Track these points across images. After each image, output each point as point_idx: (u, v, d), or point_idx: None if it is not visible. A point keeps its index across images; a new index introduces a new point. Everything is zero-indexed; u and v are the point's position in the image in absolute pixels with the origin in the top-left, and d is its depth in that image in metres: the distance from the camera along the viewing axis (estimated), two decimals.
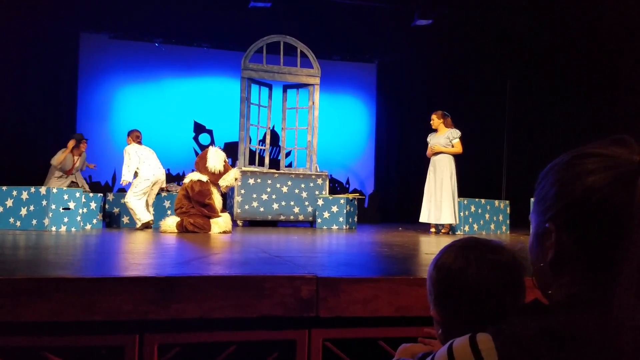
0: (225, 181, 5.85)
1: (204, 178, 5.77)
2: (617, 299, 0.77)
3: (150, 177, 6.61)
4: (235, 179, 6.01)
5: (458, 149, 6.78)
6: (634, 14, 7.70)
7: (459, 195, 6.89)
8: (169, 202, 7.05)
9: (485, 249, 1.09)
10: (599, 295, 0.81)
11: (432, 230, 6.88)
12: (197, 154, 10.63)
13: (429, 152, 6.87)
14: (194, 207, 5.72)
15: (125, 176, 6.61)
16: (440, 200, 6.65)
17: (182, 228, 5.64)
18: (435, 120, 6.91)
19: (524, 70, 10.53)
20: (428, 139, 6.94)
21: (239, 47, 9.74)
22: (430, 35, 10.16)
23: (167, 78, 10.61)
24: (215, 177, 5.81)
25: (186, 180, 5.95)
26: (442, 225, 6.84)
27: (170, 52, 10.59)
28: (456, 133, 6.82)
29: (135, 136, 7.20)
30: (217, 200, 5.85)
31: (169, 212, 6.97)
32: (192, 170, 6.28)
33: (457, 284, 1.06)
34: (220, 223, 5.68)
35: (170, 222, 5.73)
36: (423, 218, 6.79)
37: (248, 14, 9.58)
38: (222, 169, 5.83)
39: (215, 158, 5.82)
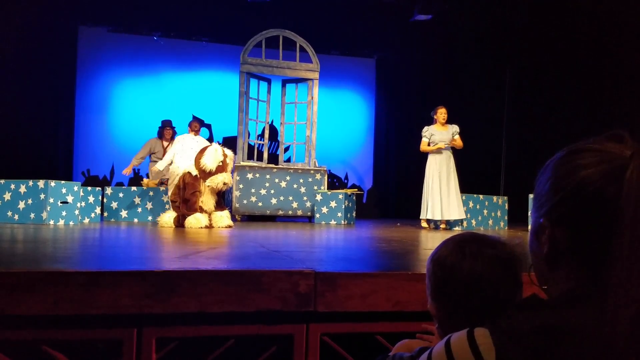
0: (211, 182, 5.60)
1: (194, 172, 5.68)
2: (610, 292, 0.77)
3: (176, 169, 6.55)
4: (224, 184, 5.66)
5: (461, 143, 6.76)
6: (635, 8, 7.69)
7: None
8: (167, 197, 7.05)
9: (482, 243, 1.09)
10: (595, 290, 0.82)
11: (426, 225, 6.85)
12: None
13: (433, 147, 6.70)
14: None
15: (158, 164, 6.75)
16: (453, 195, 6.62)
17: (178, 223, 5.62)
18: (446, 114, 6.84)
19: (523, 66, 10.51)
20: (427, 134, 6.79)
21: (237, 41, 9.71)
22: (430, 30, 10.14)
23: (166, 72, 10.59)
24: (204, 175, 5.62)
25: (180, 172, 5.90)
26: (440, 220, 6.83)
27: (169, 46, 10.56)
28: (457, 128, 6.80)
29: (193, 126, 7.45)
30: (208, 198, 5.70)
31: (167, 206, 6.97)
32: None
33: (453, 277, 1.06)
34: (200, 219, 5.51)
35: (167, 218, 5.71)
36: (434, 215, 6.66)
37: (247, 8, 9.56)
38: (213, 169, 5.60)
39: (211, 157, 5.61)
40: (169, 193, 5.97)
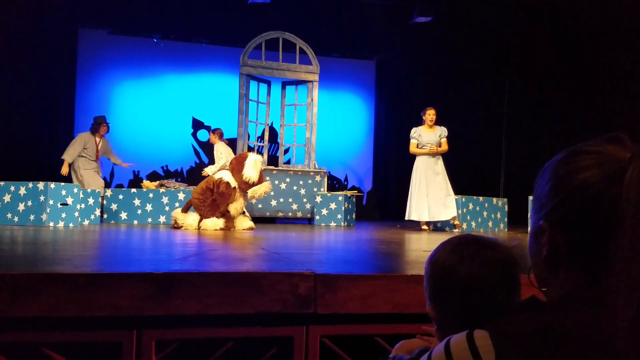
0: (255, 192, 5.59)
1: (233, 183, 5.62)
2: (609, 294, 0.77)
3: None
4: (265, 193, 5.71)
5: (446, 147, 6.77)
6: (633, 12, 7.70)
7: (457, 193, 6.89)
8: (167, 198, 7.05)
9: (480, 245, 1.09)
10: (594, 292, 0.82)
11: (426, 227, 6.83)
12: (195, 150, 10.64)
13: (424, 150, 6.67)
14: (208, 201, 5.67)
15: (208, 169, 7.11)
16: (440, 196, 6.60)
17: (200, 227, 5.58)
18: (434, 115, 6.83)
19: (522, 67, 10.52)
20: (415, 135, 6.76)
21: (237, 43, 9.72)
22: (429, 32, 10.16)
23: (166, 74, 10.60)
24: (246, 186, 5.60)
25: (216, 175, 5.79)
26: (439, 222, 6.79)
27: (169, 48, 10.57)
28: (446, 131, 6.78)
29: (220, 134, 8.07)
30: (238, 205, 5.69)
31: (167, 208, 6.97)
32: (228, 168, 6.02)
33: (451, 279, 1.07)
34: (217, 222, 5.52)
35: (191, 220, 5.63)
36: (418, 216, 6.67)
37: (247, 10, 9.56)
38: (256, 180, 5.59)
39: (252, 168, 5.59)
40: (195, 192, 5.89)
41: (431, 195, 6.61)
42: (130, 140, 10.16)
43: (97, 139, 8.12)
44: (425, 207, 6.62)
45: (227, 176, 5.69)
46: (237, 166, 5.67)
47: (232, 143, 8.92)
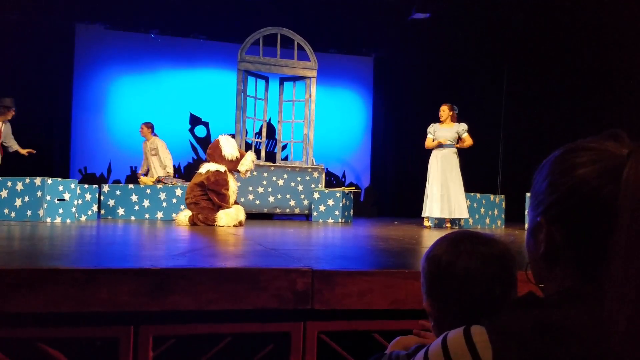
0: (244, 166, 5.76)
1: (222, 168, 5.68)
2: (607, 290, 0.77)
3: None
4: (253, 161, 5.90)
5: (470, 141, 6.70)
6: (632, 9, 7.70)
7: None
8: (164, 194, 7.04)
9: (476, 241, 1.09)
10: (592, 288, 0.82)
11: (428, 224, 6.82)
12: (192, 146, 10.63)
13: (433, 143, 6.64)
14: (207, 195, 5.64)
15: (169, 168, 7.48)
16: (453, 194, 6.56)
17: (192, 222, 5.59)
18: (446, 112, 6.72)
19: (521, 64, 10.53)
20: (431, 130, 6.73)
21: (235, 39, 9.70)
22: (428, 29, 10.14)
23: (163, 70, 10.57)
24: (233, 165, 5.72)
25: (202, 171, 5.76)
26: (443, 219, 6.76)
27: (167, 44, 10.54)
28: (465, 126, 6.74)
29: (153, 127, 8.12)
30: (232, 191, 5.75)
31: (164, 204, 6.97)
32: (206, 161, 6.01)
33: (447, 275, 1.07)
34: (231, 214, 5.53)
35: (183, 217, 5.65)
36: (432, 212, 6.60)
37: (245, 6, 9.55)
38: (238, 155, 5.76)
39: (229, 146, 5.74)
40: (186, 193, 5.93)
41: (446, 191, 6.55)
42: (128, 136, 10.13)
43: (0, 123, 7.35)
44: (438, 204, 6.55)
45: (213, 166, 5.74)
46: (215, 152, 5.77)
47: None
